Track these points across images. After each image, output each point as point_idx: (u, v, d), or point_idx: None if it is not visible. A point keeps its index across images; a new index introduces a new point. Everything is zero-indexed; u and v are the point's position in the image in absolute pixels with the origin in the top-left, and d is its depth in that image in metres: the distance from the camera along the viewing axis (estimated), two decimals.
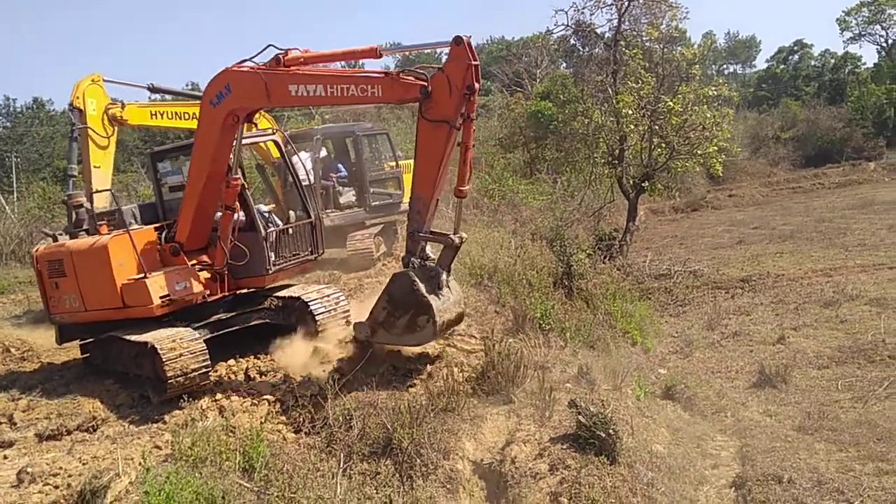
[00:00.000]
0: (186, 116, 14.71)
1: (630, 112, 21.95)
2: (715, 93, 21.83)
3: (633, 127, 22.35)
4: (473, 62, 7.93)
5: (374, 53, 8.84)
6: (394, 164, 17.73)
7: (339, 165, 17.32)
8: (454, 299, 9.09)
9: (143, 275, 9.72)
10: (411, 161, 17.54)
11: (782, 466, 8.93)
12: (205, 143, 9.69)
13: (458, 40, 7.95)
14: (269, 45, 9.00)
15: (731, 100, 27.54)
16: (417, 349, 9.53)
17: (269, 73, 8.85)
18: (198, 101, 14.99)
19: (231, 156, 9.75)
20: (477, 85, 7.97)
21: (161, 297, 9.69)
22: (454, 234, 8.74)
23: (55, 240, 11.11)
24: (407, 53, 27.44)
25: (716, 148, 21.60)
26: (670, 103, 21.27)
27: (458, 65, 7.98)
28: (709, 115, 21.33)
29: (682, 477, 8.80)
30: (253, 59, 9.08)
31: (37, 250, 11.11)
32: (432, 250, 9.01)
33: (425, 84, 8.16)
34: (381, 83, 8.44)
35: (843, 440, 9.62)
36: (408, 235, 8.91)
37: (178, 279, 9.95)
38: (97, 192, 13.72)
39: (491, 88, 53.67)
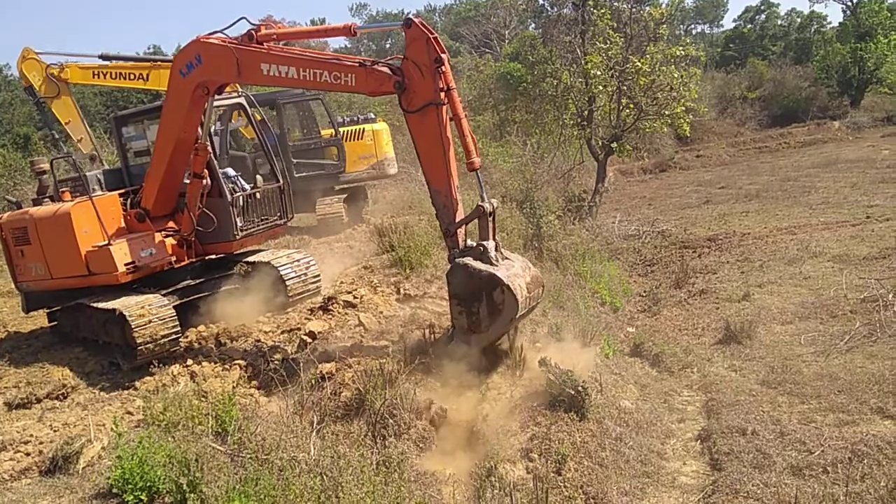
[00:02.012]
0: (133, 76, 14.68)
1: (598, 73, 21.91)
2: (682, 53, 21.84)
3: (601, 88, 22.33)
4: (431, 35, 7.78)
5: (349, 31, 8.69)
6: (332, 131, 17.24)
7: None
8: (520, 265, 8.43)
9: (107, 242, 9.61)
10: (356, 127, 17.28)
11: (746, 419, 9.15)
12: (173, 111, 9.51)
13: (408, 23, 7.80)
14: (242, 18, 8.82)
15: (699, 60, 27.64)
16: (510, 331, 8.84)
17: (242, 49, 8.62)
18: (148, 63, 14.98)
19: (200, 124, 9.61)
20: (443, 55, 7.78)
21: (126, 265, 9.60)
22: (482, 202, 8.20)
23: (19, 207, 10.93)
24: None
25: (683, 108, 21.69)
26: (638, 64, 21.27)
27: (417, 44, 7.82)
28: (676, 76, 21.37)
29: (649, 431, 9.00)
30: (224, 31, 8.90)
31: (0, 218, 10.92)
32: (473, 239, 8.50)
33: (400, 79, 7.94)
34: (354, 73, 8.20)
35: (805, 393, 9.87)
36: (444, 234, 8.53)
37: (143, 246, 9.84)
38: (79, 140, 14.23)
39: (460, 50, 53.26)
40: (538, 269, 8.95)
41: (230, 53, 8.66)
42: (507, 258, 8.36)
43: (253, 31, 8.62)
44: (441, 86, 7.85)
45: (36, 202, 10.68)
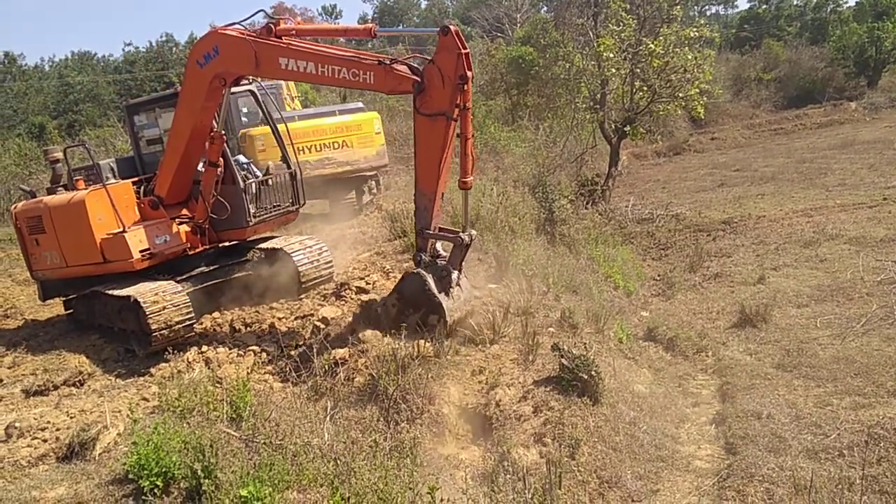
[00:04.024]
0: None
1: (611, 55, 21.73)
2: (696, 34, 21.61)
3: (614, 70, 22.16)
4: (463, 51, 7.74)
5: (369, 33, 8.66)
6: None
7: None
8: (464, 297, 8.92)
9: (121, 229, 9.65)
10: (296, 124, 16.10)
11: (762, 403, 9.10)
12: (190, 101, 9.54)
13: (444, 30, 7.76)
14: (260, 10, 8.96)
15: (713, 41, 27.35)
16: None
17: (261, 42, 8.66)
18: None
19: (216, 114, 9.63)
20: (469, 73, 7.79)
21: (141, 252, 9.65)
22: (463, 231, 8.52)
23: (33, 196, 11.00)
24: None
25: (697, 90, 21.47)
26: (652, 46, 21.06)
27: (447, 55, 7.79)
28: (690, 57, 21.15)
29: (663, 415, 8.97)
30: (242, 24, 8.92)
31: (15, 207, 11.00)
32: (443, 246, 8.83)
33: (419, 79, 7.96)
34: (373, 71, 8.23)
35: (822, 376, 9.81)
36: (416, 233, 8.75)
37: (158, 233, 9.90)
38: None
39: (471, 34, 53.00)
40: (473, 305, 9.26)
41: (248, 46, 8.69)
42: (459, 285, 8.77)
43: (272, 25, 8.63)
44: (458, 102, 7.90)
45: (50, 191, 10.75)
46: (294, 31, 8.73)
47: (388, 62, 8.23)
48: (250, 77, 11.43)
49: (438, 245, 8.75)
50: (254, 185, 10.44)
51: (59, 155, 11.19)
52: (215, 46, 9.01)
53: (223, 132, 9.81)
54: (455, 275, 8.60)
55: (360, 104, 18.19)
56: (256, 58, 8.69)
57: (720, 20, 78.09)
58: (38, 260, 10.73)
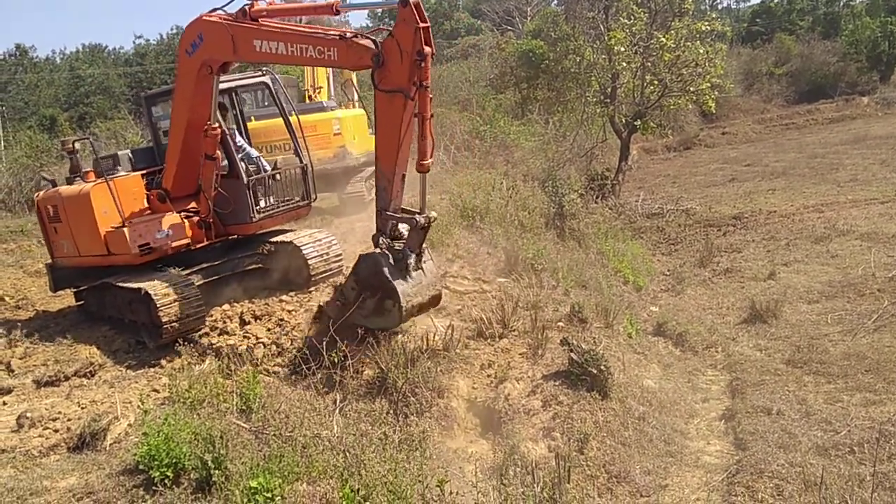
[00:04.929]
0: None
1: (622, 49, 21.63)
2: (708, 28, 21.50)
3: (625, 64, 22.07)
4: (422, 24, 7.31)
5: (331, 10, 8.42)
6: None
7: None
8: (427, 281, 8.46)
9: (121, 223, 9.67)
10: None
11: (771, 399, 9.09)
12: (183, 91, 9.49)
13: (404, 1, 7.31)
14: None
15: (725, 35, 27.18)
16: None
17: (236, 25, 8.45)
18: None
19: (213, 106, 9.55)
20: (428, 49, 7.36)
21: (140, 246, 9.63)
22: (420, 213, 8.07)
23: (54, 185, 11.09)
24: None
25: (709, 84, 21.38)
26: (663, 39, 20.98)
27: (405, 28, 7.38)
28: (702, 51, 21.06)
29: (672, 410, 8.97)
30: (224, 8, 8.73)
31: (38, 195, 11.16)
32: (406, 227, 8.40)
33: (377, 51, 7.59)
34: (336, 46, 7.90)
35: (832, 372, 9.77)
36: (376, 213, 8.39)
37: (159, 227, 9.84)
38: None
39: (481, 28, 52.87)
40: (441, 286, 8.93)
41: (225, 30, 8.53)
42: (420, 269, 8.35)
43: (247, 7, 8.44)
44: (416, 80, 7.49)
45: (69, 181, 10.81)
46: (265, 12, 8.48)
47: (350, 36, 7.88)
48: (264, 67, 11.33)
49: (403, 227, 8.37)
50: (259, 180, 10.37)
51: (78, 145, 11.21)
52: (200, 34, 8.87)
53: (216, 124, 9.65)
54: (412, 258, 8.20)
55: (325, 103, 17.05)
56: (234, 42, 8.48)
57: (732, 14, 77.50)
58: (57, 247, 10.87)
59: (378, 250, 8.24)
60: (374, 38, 7.82)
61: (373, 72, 7.72)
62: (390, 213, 8.15)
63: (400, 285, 8.09)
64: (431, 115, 7.80)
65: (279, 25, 8.39)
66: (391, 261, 8.17)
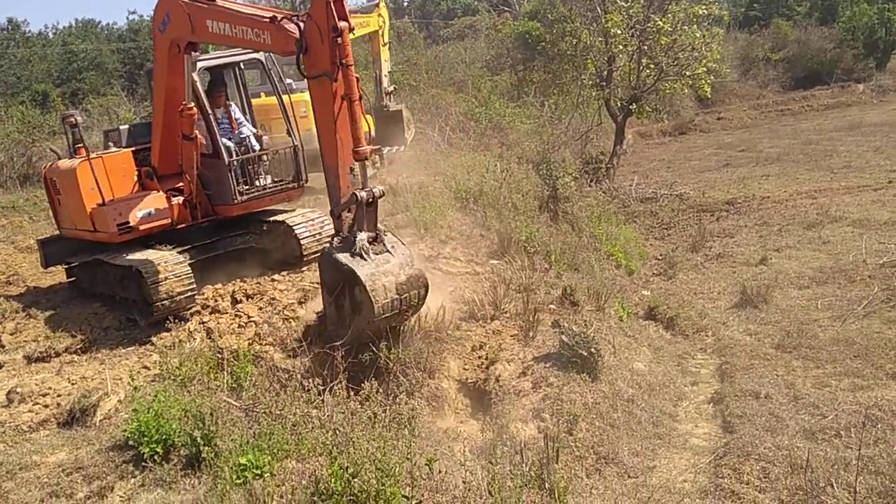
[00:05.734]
0: None
1: (619, 32, 21.52)
2: (705, 12, 21.37)
3: (621, 47, 21.97)
4: None
5: None
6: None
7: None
8: (398, 261, 7.56)
9: (102, 201, 9.64)
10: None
11: (760, 383, 9.15)
12: (160, 70, 9.40)
13: None
14: None
15: (722, 19, 27.07)
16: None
17: (192, 4, 8.22)
18: None
19: (185, 83, 9.30)
20: (343, 24, 6.91)
21: (119, 225, 9.60)
22: (361, 189, 7.32)
23: (59, 157, 11.10)
24: None
25: (705, 69, 21.31)
26: (660, 23, 20.86)
27: (318, 4, 6.97)
28: (698, 35, 20.96)
29: (661, 393, 9.02)
30: None
31: (45, 167, 11.31)
32: (383, 226, 7.81)
33: (298, 37, 7.16)
34: (268, 30, 7.49)
35: (821, 357, 9.83)
36: (330, 214, 7.97)
37: (140, 206, 9.79)
38: None
39: (478, 8, 52.55)
40: (421, 267, 8.05)
41: (184, 10, 8.33)
42: (387, 251, 7.57)
43: None
44: (336, 59, 7.02)
45: (71, 154, 10.79)
46: None
47: (280, 18, 7.39)
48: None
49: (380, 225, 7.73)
50: (242, 161, 10.22)
51: (79, 118, 11.10)
52: (167, 12, 8.72)
53: (191, 104, 9.36)
54: (363, 237, 7.40)
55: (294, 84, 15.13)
56: (191, 21, 8.27)
57: None
58: (62, 218, 10.96)
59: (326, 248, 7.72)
60: (298, 22, 7.32)
61: (297, 59, 7.35)
62: (340, 209, 7.67)
63: (360, 267, 7.28)
64: (360, 97, 7.24)
65: (225, 6, 8.09)
66: (342, 247, 7.52)
